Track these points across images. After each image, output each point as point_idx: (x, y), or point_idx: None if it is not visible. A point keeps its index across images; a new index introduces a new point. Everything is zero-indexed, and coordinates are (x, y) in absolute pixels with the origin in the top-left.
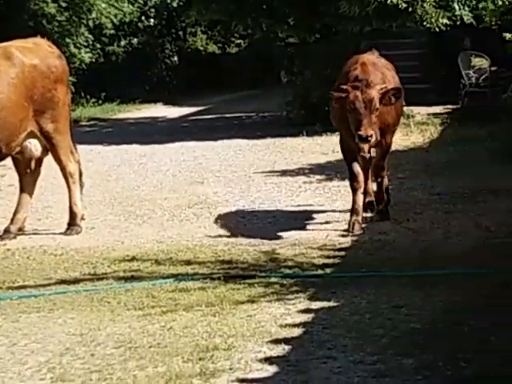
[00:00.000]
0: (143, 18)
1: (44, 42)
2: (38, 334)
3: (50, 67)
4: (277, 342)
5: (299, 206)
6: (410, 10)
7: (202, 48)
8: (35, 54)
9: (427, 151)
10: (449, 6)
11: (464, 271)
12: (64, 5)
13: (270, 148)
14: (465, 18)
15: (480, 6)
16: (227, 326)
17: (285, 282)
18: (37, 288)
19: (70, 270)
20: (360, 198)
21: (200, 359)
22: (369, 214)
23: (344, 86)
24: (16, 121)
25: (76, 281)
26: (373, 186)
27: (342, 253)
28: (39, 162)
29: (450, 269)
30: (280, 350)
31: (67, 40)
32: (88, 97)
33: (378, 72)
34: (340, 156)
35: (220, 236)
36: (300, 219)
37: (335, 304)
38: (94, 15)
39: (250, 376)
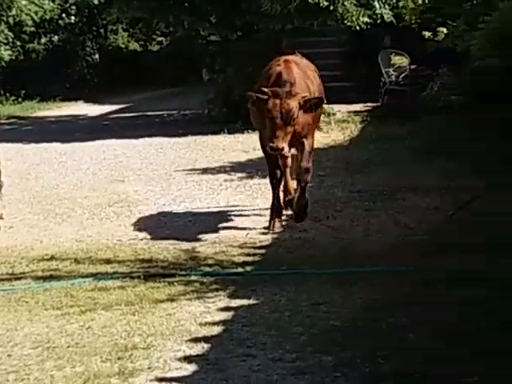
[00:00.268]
0: (64, 15)
1: None
2: None
3: None
4: (196, 340)
5: (220, 204)
6: (332, 8)
7: (123, 46)
8: None
9: (347, 149)
10: (369, 4)
11: (383, 269)
12: None
13: (191, 146)
14: (385, 17)
15: (400, 4)
16: (146, 324)
17: (205, 280)
18: None
19: None
20: (280, 196)
21: (119, 358)
22: (289, 212)
23: (265, 89)
24: None
25: None
26: (293, 184)
27: (263, 251)
28: None
29: (370, 266)
30: (199, 348)
31: None
32: (7, 94)
33: (301, 72)
34: (261, 154)
35: (140, 235)
36: (221, 217)
37: (255, 302)
38: (14, 12)
39: (169, 375)
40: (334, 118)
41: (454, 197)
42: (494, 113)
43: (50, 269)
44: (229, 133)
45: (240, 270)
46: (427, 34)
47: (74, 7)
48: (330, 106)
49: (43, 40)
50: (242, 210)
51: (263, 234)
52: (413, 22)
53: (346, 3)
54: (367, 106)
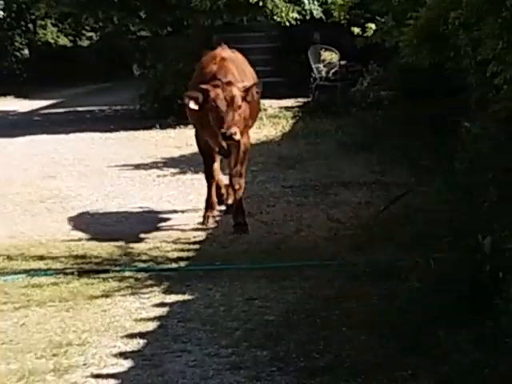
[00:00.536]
0: None
1: None
2: None
3: None
4: (131, 336)
5: (153, 199)
6: (261, 4)
7: (52, 41)
8: None
9: (279, 144)
10: (299, 0)
11: (316, 263)
12: None
13: (124, 142)
14: (314, 13)
15: (329, 0)
16: (81, 321)
17: (139, 276)
18: None
19: None
20: (214, 191)
21: (54, 355)
22: (223, 208)
23: (203, 86)
24: None
25: None
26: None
27: (197, 246)
28: None
29: (303, 261)
30: (135, 344)
31: None
32: None
33: (237, 68)
34: (194, 149)
35: (73, 231)
36: (154, 213)
37: (190, 297)
38: None
39: (105, 371)
40: (266, 113)
41: (385, 192)
42: (423, 108)
43: None
44: (161, 128)
45: (174, 265)
46: (356, 29)
47: (1, 2)
48: (262, 101)
49: None
50: (176, 206)
51: (197, 229)
52: (342, 18)
53: None
54: (298, 102)
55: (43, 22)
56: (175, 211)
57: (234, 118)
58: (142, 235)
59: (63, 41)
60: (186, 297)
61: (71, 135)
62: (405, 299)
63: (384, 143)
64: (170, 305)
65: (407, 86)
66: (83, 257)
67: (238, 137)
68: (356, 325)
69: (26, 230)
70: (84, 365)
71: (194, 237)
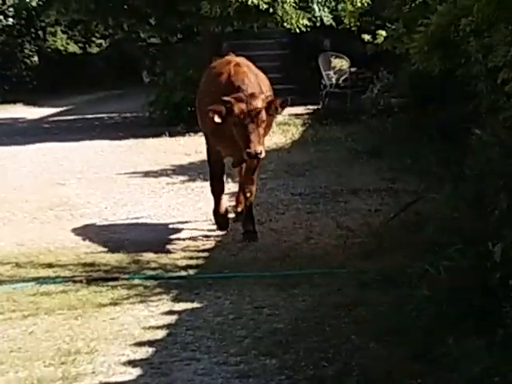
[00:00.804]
0: (1, 17)
1: None
2: None
3: None
4: (140, 344)
5: (162, 207)
6: (271, 10)
7: (62, 48)
8: None
9: (289, 152)
10: (309, 7)
11: (325, 271)
12: None
13: (133, 149)
14: (324, 20)
15: (339, 7)
16: (90, 329)
17: (148, 284)
18: None
19: None
20: (223, 200)
21: (62, 363)
22: (232, 215)
23: (227, 98)
24: None
25: None
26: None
27: (206, 254)
28: None
29: (312, 269)
30: (143, 352)
31: None
32: None
33: (254, 74)
34: (203, 157)
35: (82, 238)
36: (163, 220)
37: (199, 305)
38: None
39: (113, 379)
40: (276, 120)
41: (395, 199)
42: (433, 115)
43: None
44: (170, 135)
45: (183, 273)
46: (367, 36)
47: (11, 9)
48: None
49: None
50: (185, 213)
51: (206, 237)
52: (352, 24)
53: (285, 6)
54: (308, 109)
55: (53, 29)
56: (184, 219)
57: (260, 134)
58: (151, 243)
59: (73, 48)
60: (195, 305)
61: (80, 142)
62: (415, 307)
63: (394, 150)
64: (179, 313)
65: (418, 93)
66: (92, 264)
67: (263, 155)
68: (365, 333)
69: (35, 237)
70: (93, 373)
71: (203, 244)
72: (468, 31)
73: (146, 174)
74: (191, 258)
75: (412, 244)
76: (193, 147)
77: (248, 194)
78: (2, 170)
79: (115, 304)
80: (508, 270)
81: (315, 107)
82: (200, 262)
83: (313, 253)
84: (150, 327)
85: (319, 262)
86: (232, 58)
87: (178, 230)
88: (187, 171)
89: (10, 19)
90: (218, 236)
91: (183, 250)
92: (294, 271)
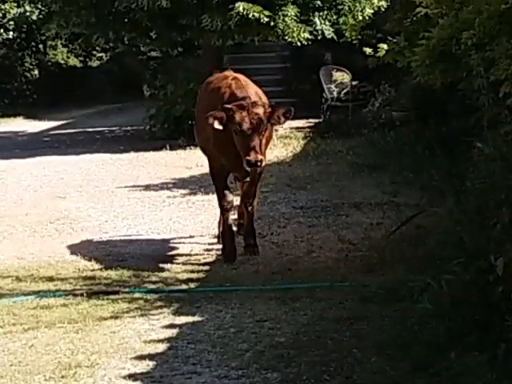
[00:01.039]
0: (2, 30)
1: None
2: None
3: None
4: (141, 358)
5: (163, 220)
6: (272, 24)
7: (62, 61)
8: None
9: (290, 165)
10: (310, 20)
11: (327, 285)
12: None
13: (133, 162)
14: (326, 33)
15: (340, 20)
16: (90, 342)
17: (149, 298)
18: None
19: None
20: (230, 222)
21: (62, 377)
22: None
23: (228, 106)
24: None
25: None
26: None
27: (207, 267)
28: None
29: (314, 282)
30: (144, 366)
31: None
32: None
33: (253, 88)
34: (203, 170)
35: (82, 252)
36: (163, 234)
37: (200, 319)
38: None
39: None
40: (277, 134)
41: (396, 212)
42: (435, 129)
43: None
44: (171, 149)
45: (184, 286)
46: (368, 50)
47: (12, 22)
48: None
49: None
50: (186, 227)
51: (207, 250)
52: (353, 38)
53: (286, 19)
54: (309, 122)
55: (53, 43)
56: (185, 232)
57: (261, 143)
58: (152, 256)
59: (73, 61)
60: (196, 318)
61: (81, 156)
62: (416, 321)
63: (396, 164)
64: (180, 326)
65: (419, 107)
66: (92, 278)
67: (263, 164)
68: (367, 346)
69: (35, 251)
70: None
71: (204, 258)
72: (470, 45)
73: (147, 187)
74: (192, 271)
75: (414, 258)
76: (193, 160)
77: (249, 208)
78: (1, 184)
79: (116, 317)
80: (510, 284)
81: (316, 120)
82: (201, 275)
83: (314, 266)
84: (151, 341)
85: (321, 276)
86: (229, 72)
87: (179, 244)
88: (188, 185)
89: (11, 33)
90: (218, 249)
91: (184, 263)
92: (296, 285)
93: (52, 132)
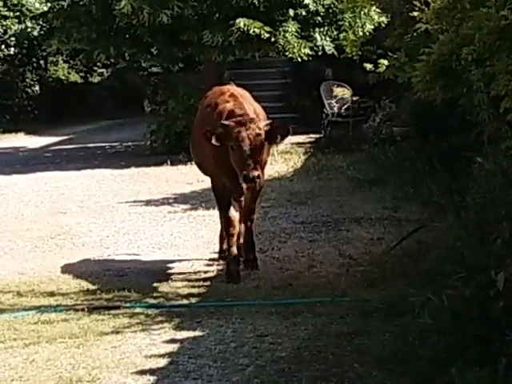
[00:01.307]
0: (3, 46)
1: None
2: None
3: None
4: (142, 372)
5: (164, 235)
6: (273, 40)
7: (63, 77)
8: None
9: (291, 180)
10: (310, 36)
11: (328, 299)
12: None
13: (134, 178)
14: (326, 49)
15: (341, 36)
16: (91, 357)
17: (150, 313)
18: None
19: None
20: (235, 244)
21: None
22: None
23: (225, 122)
24: None
25: None
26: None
27: (207, 282)
28: None
29: (314, 297)
30: (145, 380)
31: None
32: None
33: (250, 105)
34: (204, 185)
35: (83, 267)
36: (165, 249)
37: (201, 334)
38: None
39: None
40: (278, 149)
41: (397, 227)
42: (435, 144)
43: None
44: (171, 164)
45: (185, 301)
46: (368, 65)
47: (13, 38)
48: None
49: None
50: (187, 242)
51: (208, 265)
52: (354, 53)
53: (287, 35)
54: (310, 138)
55: (54, 59)
56: (186, 247)
57: (257, 159)
58: (153, 271)
59: (74, 77)
60: (197, 333)
61: (82, 171)
62: (417, 336)
63: (396, 179)
64: (181, 341)
65: (420, 122)
66: (93, 293)
67: (261, 180)
68: (368, 361)
69: (36, 266)
70: None
71: (205, 273)
72: (470, 60)
73: (148, 202)
74: (193, 286)
75: (414, 273)
76: (194, 176)
77: (249, 223)
78: (3, 199)
79: (117, 332)
80: (511, 299)
81: (317, 136)
82: (202, 290)
83: (315, 281)
84: (152, 355)
85: (321, 291)
86: (224, 87)
87: (180, 259)
88: (189, 200)
89: (12, 49)
90: (219, 264)
91: (185, 278)
92: (297, 300)
93: (53, 148)
